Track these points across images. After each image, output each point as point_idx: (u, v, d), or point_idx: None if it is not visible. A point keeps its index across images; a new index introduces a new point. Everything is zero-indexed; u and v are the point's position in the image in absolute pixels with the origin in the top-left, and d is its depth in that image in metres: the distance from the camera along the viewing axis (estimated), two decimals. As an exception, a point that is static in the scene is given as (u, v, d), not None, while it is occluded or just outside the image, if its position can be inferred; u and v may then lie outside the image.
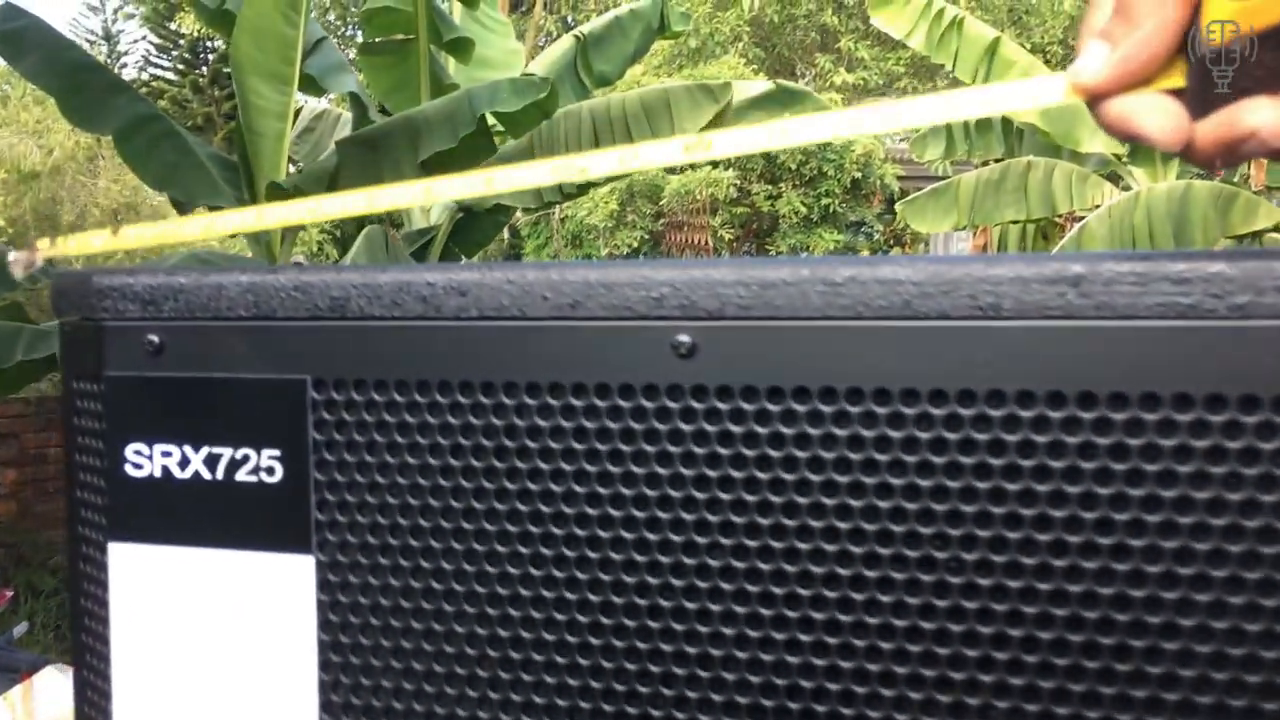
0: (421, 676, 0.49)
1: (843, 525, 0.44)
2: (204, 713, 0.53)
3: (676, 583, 0.46)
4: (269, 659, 0.51)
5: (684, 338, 0.46)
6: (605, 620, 0.47)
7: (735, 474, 0.46)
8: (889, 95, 13.66)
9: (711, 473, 0.46)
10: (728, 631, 0.46)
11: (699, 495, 0.46)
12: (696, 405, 0.46)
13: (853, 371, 0.44)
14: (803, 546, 0.45)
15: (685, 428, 0.46)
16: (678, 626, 0.46)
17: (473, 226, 6.12)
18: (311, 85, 5.76)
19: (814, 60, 13.61)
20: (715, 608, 0.46)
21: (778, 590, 0.45)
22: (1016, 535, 0.42)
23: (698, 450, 0.46)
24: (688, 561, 0.46)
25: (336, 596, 0.50)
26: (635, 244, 11.64)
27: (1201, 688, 0.40)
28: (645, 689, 0.46)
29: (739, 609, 0.46)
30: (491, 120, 5.29)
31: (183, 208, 5.27)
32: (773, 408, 0.45)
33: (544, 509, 0.48)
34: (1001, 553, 0.43)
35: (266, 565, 0.51)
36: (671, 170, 11.77)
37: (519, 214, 8.97)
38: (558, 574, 0.48)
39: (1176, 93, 0.42)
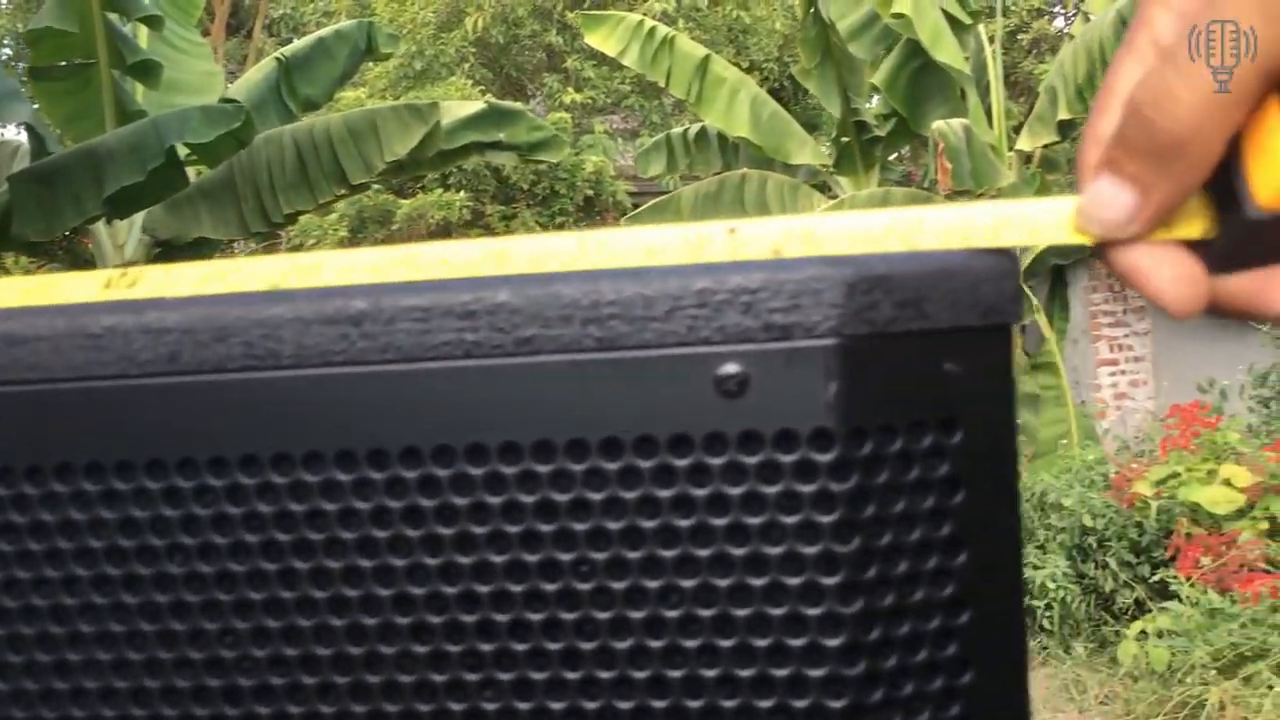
0: None
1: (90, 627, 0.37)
2: None
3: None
4: None
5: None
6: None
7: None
8: (617, 113, 13.90)
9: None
10: None
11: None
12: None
13: (121, 441, 0.37)
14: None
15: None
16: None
17: (173, 262, 5.77)
18: (-22, 115, 5.27)
19: (542, 80, 13.68)
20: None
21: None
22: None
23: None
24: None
25: None
26: (369, 270, 11.28)
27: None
28: None
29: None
30: (185, 150, 4.99)
31: None
32: (31, 491, 0.37)
33: None
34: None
35: None
36: (401, 194, 11.54)
37: (236, 246, 8.56)
38: None
39: (1193, 243, 0.35)
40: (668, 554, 0.36)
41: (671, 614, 0.36)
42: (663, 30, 7.97)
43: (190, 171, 5.22)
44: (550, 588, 0.36)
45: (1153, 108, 0.33)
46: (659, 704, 0.36)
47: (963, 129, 6.69)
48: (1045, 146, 7.25)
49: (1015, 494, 0.37)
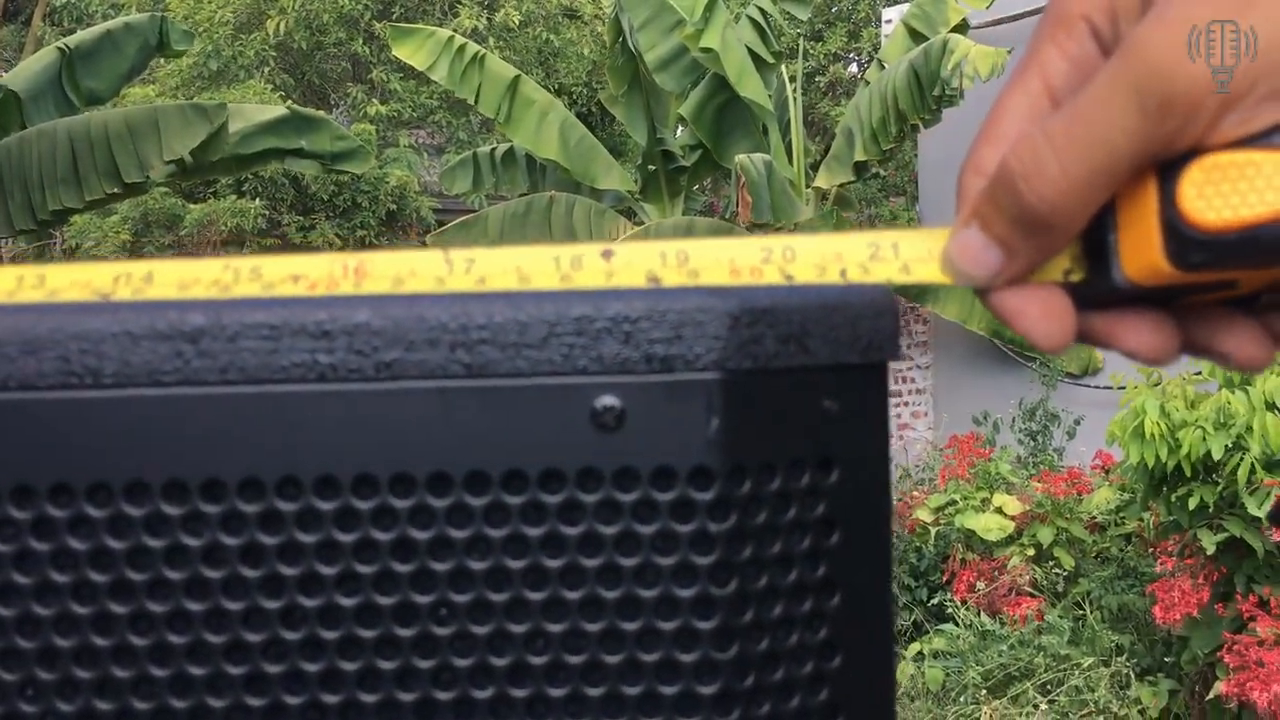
0: None
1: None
2: None
3: None
4: None
5: None
6: None
7: None
8: (424, 128, 13.71)
9: None
10: None
11: None
12: None
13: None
14: None
15: None
16: None
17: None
18: None
19: (346, 90, 13.35)
20: None
21: None
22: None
23: None
24: None
25: None
26: (153, 277, 10.70)
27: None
28: None
29: None
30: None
31: None
32: None
33: None
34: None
35: None
36: (192, 197, 11.03)
37: (2, 246, 7.98)
38: None
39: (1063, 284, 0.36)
40: (535, 596, 0.33)
41: (538, 660, 0.33)
42: (473, 48, 7.91)
43: None
44: (405, 633, 0.33)
45: (1024, 180, 0.34)
46: (521, 757, 0.34)
47: (764, 164, 6.89)
48: (841, 185, 7.55)
49: (888, 535, 0.36)
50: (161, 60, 10.43)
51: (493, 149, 8.94)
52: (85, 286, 0.35)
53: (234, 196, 10.82)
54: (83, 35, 5.79)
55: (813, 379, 0.34)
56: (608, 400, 0.33)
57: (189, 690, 0.33)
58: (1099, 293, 0.35)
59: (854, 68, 13.41)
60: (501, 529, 0.33)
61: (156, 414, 0.33)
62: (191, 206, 10.83)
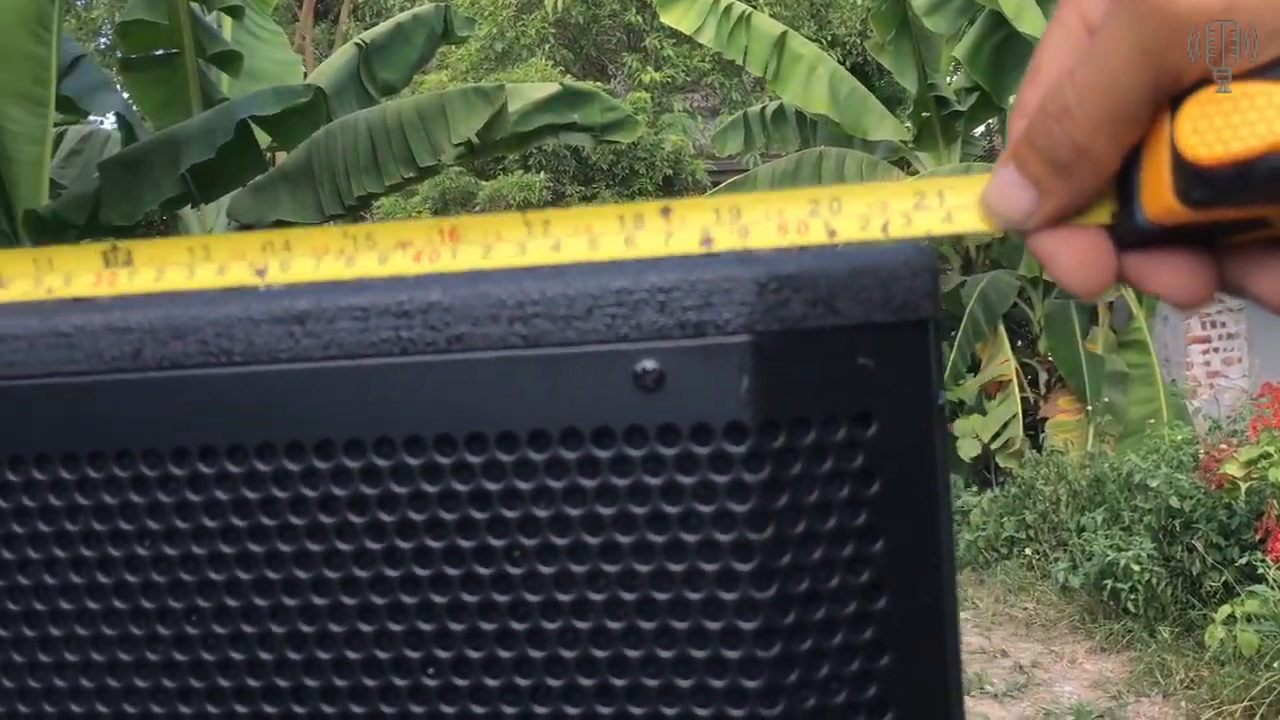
0: None
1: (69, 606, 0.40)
2: None
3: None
4: None
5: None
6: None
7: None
8: (698, 91, 13.84)
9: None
10: None
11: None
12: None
13: (91, 434, 0.40)
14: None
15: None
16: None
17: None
18: (72, 106, 5.45)
19: (622, 60, 13.67)
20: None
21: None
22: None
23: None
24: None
25: None
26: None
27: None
28: None
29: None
30: (268, 138, 5.11)
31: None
32: (13, 479, 0.40)
33: None
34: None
35: None
36: (483, 174, 11.66)
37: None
38: None
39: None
40: (592, 540, 0.37)
41: (597, 597, 0.37)
42: (739, 7, 7.91)
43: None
44: (484, 571, 0.38)
45: (1055, 120, 0.34)
46: (587, 682, 0.38)
47: (1046, 101, 6.52)
48: (1133, 118, 7.03)
49: (937, 483, 0.38)
50: (453, 46, 11.09)
51: (763, 108, 8.94)
52: (240, 255, 0.41)
53: (520, 171, 11.36)
54: (376, 30, 6.25)
55: (845, 338, 0.36)
56: (647, 364, 0.36)
57: (313, 618, 0.39)
58: (1131, 234, 0.35)
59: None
60: (561, 480, 0.37)
61: (277, 386, 0.39)
62: (483, 183, 11.47)
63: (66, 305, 0.40)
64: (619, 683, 0.38)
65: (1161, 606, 5.29)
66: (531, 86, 6.21)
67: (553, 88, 6.01)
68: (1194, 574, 5.26)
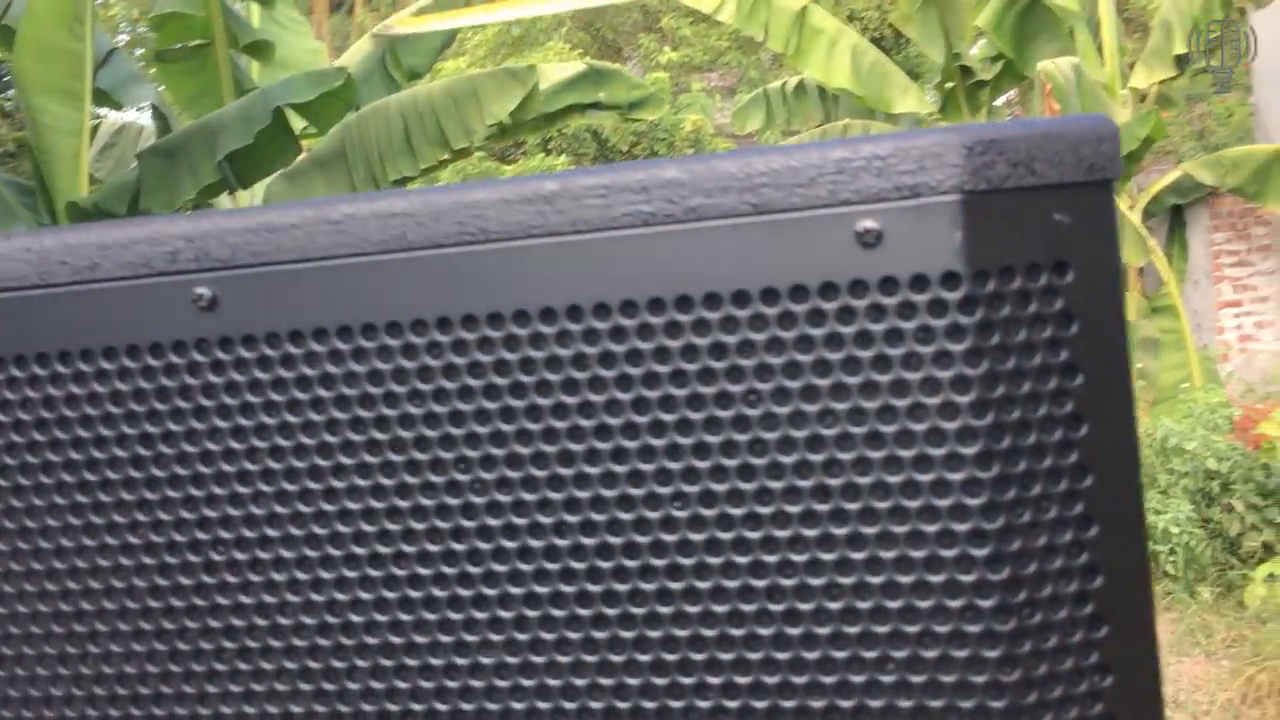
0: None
1: (370, 459, 0.45)
2: None
3: (208, 536, 0.47)
4: None
5: (203, 290, 0.46)
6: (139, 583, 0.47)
7: (269, 421, 0.46)
8: (715, 71, 13.83)
9: (246, 423, 0.46)
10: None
11: (236, 446, 0.46)
12: (224, 357, 0.46)
13: (362, 308, 0.45)
14: (327, 486, 0.46)
15: (215, 380, 0.46)
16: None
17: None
18: (106, 99, 5.53)
19: (639, 41, 13.67)
20: (250, 556, 0.46)
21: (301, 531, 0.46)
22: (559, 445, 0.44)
23: (230, 402, 0.46)
24: (227, 513, 0.46)
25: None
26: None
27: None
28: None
29: (265, 555, 0.46)
30: (302, 125, 5.17)
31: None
32: (295, 351, 0.46)
33: (91, 477, 0.47)
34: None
35: None
36: (504, 158, 11.71)
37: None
38: (113, 541, 0.47)
39: None
40: (822, 383, 0.42)
41: (829, 432, 0.42)
42: (759, -17, 7.91)
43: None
44: (724, 414, 0.43)
45: None
46: (821, 507, 0.43)
47: (1071, 68, 6.54)
48: (1161, 83, 7.04)
49: (1122, 326, 0.43)
50: (470, 32, 11.14)
51: (783, 84, 8.94)
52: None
53: (541, 155, 11.42)
54: (399, 16, 6.29)
55: (1042, 196, 0.41)
56: (868, 224, 0.41)
57: (570, 462, 0.44)
58: None
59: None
60: (791, 331, 0.42)
61: (529, 260, 0.44)
62: (505, 168, 11.54)
63: (336, 199, 0.45)
64: (851, 507, 0.43)
65: (1201, 568, 5.32)
66: (556, 67, 6.25)
67: (579, 67, 6.05)
68: (1232, 535, 5.28)
